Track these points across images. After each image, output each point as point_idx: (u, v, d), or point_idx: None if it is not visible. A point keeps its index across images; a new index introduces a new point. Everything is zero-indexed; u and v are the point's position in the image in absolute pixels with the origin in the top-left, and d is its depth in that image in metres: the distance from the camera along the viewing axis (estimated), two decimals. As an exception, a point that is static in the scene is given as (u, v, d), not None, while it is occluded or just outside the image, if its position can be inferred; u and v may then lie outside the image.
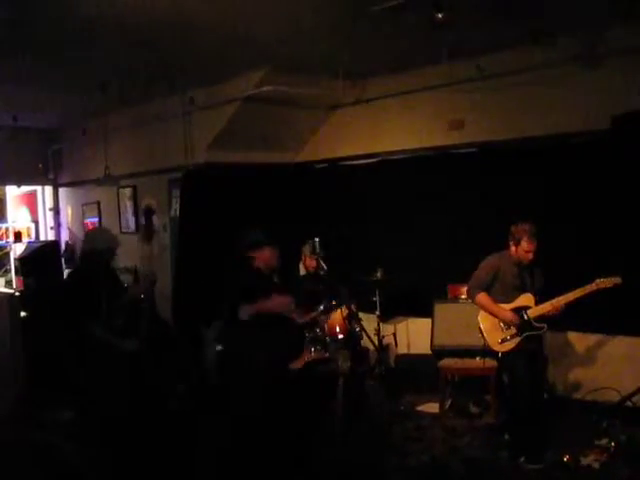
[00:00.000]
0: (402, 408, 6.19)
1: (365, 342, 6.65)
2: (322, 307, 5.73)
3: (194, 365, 6.91)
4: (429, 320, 6.54)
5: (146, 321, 5.46)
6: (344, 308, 5.96)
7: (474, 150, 6.63)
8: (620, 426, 5.11)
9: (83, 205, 10.02)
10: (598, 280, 4.92)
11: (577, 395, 6.04)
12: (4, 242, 10.16)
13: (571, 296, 4.96)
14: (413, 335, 7.23)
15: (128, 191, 8.93)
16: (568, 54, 5.64)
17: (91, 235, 5.88)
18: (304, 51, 5.92)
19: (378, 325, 6.72)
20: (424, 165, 7.01)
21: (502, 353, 5.13)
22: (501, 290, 5.14)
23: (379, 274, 6.70)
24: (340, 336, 6.02)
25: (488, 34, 5.58)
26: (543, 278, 5.19)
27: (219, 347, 6.23)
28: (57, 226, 10.68)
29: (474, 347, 5.72)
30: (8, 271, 9.71)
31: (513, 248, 5.09)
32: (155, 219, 6.12)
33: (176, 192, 7.90)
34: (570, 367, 6.16)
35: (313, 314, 5.61)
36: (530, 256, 5.03)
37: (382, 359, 6.84)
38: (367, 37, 5.59)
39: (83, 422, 5.39)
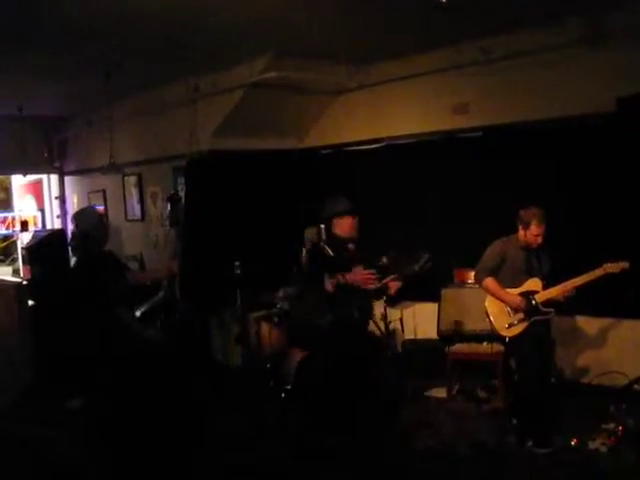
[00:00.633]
0: (409, 393, 6.20)
1: (371, 327, 6.67)
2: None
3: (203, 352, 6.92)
4: (436, 305, 6.54)
5: (161, 310, 5.42)
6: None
7: (479, 134, 6.59)
8: (627, 410, 5.10)
9: (89, 193, 10.04)
10: (606, 265, 4.90)
11: (585, 379, 6.04)
12: (11, 231, 10.20)
13: (579, 281, 4.95)
14: (420, 320, 7.22)
15: (133, 179, 8.94)
16: (573, 36, 5.60)
17: (76, 221, 5.72)
18: (308, 37, 5.89)
19: (385, 310, 6.70)
20: (429, 150, 6.98)
21: (509, 338, 5.13)
22: (509, 275, 5.13)
23: (385, 259, 6.68)
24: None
25: (492, 17, 5.53)
26: (551, 262, 5.18)
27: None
28: (63, 214, 10.72)
29: (481, 332, 5.72)
30: (15, 260, 9.77)
31: (522, 232, 5.07)
32: (181, 206, 6.07)
33: (181, 179, 7.90)
34: (578, 351, 6.16)
35: (386, 280, 5.30)
36: (539, 240, 5.01)
37: (389, 344, 6.85)
38: (371, 21, 5.55)
39: (93, 412, 5.42)
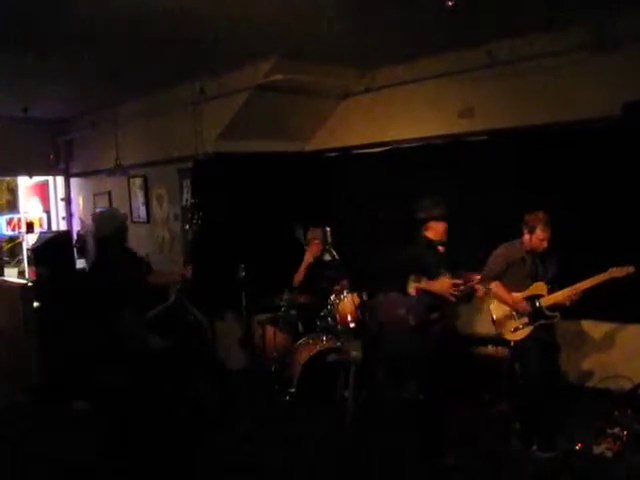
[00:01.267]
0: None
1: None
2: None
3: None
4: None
5: (175, 319, 5.42)
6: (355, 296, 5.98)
7: (484, 138, 6.59)
8: (633, 414, 5.10)
9: (94, 195, 10.06)
10: (611, 269, 4.89)
11: (589, 383, 6.03)
12: (16, 232, 10.21)
13: (584, 285, 4.95)
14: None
15: (139, 181, 8.96)
16: (579, 41, 5.59)
17: (97, 223, 5.76)
18: (314, 40, 5.90)
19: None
20: (434, 153, 6.97)
21: (514, 342, 5.13)
22: (514, 279, 5.13)
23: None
24: (352, 325, 6.04)
25: (498, 21, 5.53)
26: (557, 266, 5.18)
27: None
28: (69, 216, 10.74)
29: (486, 335, 5.71)
30: (21, 261, 9.79)
31: (527, 237, 5.08)
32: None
33: (186, 182, 7.91)
34: (582, 355, 6.15)
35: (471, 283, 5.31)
36: (545, 244, 5.02)
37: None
38: (377, 25, 5.56)
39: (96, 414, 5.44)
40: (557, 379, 5.33)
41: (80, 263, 9.94)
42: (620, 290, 5.09)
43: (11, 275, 9.35)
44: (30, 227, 10.02)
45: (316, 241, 6.70)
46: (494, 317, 5.22)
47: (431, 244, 5.25)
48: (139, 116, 8.32)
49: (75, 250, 9.75)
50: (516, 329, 5.09)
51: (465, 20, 5.18)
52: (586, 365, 6.13)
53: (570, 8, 5.24)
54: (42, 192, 10.98)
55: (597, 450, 4.73)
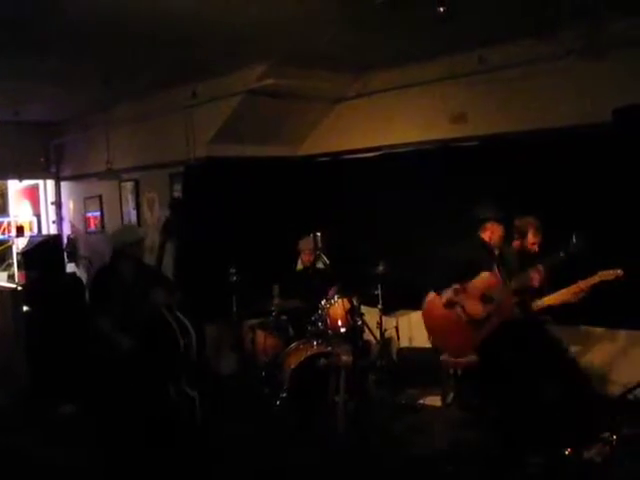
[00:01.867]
0: (404, 401, 6.19)
1: (367, 335, 6.68)
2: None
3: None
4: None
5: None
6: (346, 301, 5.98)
7: (477, 143, 6.61)
8: (622, 419, 5.10)
9: (85, 199, 10.02)
10: (600, 272, 4.91)
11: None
12: (6, 236, 10.15)
13: (573, 288, 4.96)
14: (415, 328, 7.22)
15: (130, 185, 8.93)
16: (570, 47, 5.61)
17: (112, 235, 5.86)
18: (306, 44, 5.90)
19: (380, 318, 6.72)
20: (427, 159, 6.99)
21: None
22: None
23: (381, 267, 6.70)
24: (342, 330, 6.04)
25: (490, 27, 5.56)
26: (548, 270, 5.19)
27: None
28: (59, 220, 10.69)
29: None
30: (10, 265, 9.71)
31: (518, 242, 5.09)
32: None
33: (178, 186, 7.89)
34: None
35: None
36: (536, 248, 5.04)
37: (384, 352, 6.85)
38: (369, 30, 5.57)
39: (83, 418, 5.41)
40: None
41: (70, 267, 9.90)
42: (610, 296, 5.12)
43: (0, 279, 9.29)
44: (20, 231, 9.94)
45: (305, 250, 6.74)
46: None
47: (487, 249, 5.20)
48: (131, 120, 8.30)
49: (65, 254, 9.71)
50: None
51: (457, 26, 5.19)
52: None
53: (561, 14, 5.26)
54: (32, 196, 10.92)
55: (587, 455, 4.72)
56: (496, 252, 5.19)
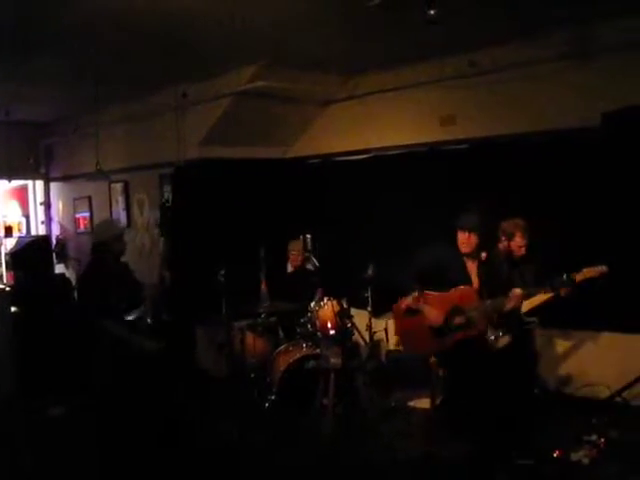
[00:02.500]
0: (393, 404, 6.19)
1: (356, 338, 6.68)
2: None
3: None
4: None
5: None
6: (335, 303, 5.98)
7: (466, 146, 6.63)
8: (610, 422, 5.13)
9: (75, 200, 10.00)
10: (585, 270, 4.92)
11: (567, 391, 6.06)
12: (-5, 237, 10.11)
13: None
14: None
15: (119, 186, 8.91)
16: (559, 51, 5.66)
17: (95, 228, 5.84)
18: (297, 47, 5.91)
19: (369, 321, 6.72)
20: (416, 161, 7.00)
21: (494, 350, 5.14)
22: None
23: (370, 270, 6.70)
24: (331, 332, 6.03)
25: (480, 30, 5.58)
26: (535, 271, 5.20)
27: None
28: (48, 221, 10.66)
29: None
30: (-1, 266, 9.68)
31: (505, 244, 5.10)
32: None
33: (168, 187, 7.88)
34: (560, 363, 6.19)
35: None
36: (523, 251, 5.05)
37: (373, 355, 6.85)
38: (360, 33, 5.58)
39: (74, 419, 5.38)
40: (536, 387, 5.35)
41: (59, 268, 9.87)
42: (596, 299, 5.15)
43: (-12, 280, 9.26)
44: (9, 231, 9.93)
45: (294, 252, 6.74)
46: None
47: (459, 255, 5.08)
48: (121, 121, 8.29)
49: (54, 255, 9.68)
50: (495, 338, 5.10)
51: (447, 29, 5.20)
52: (564, 373, 6.16)
53: (551, 18, 5.30)
54: (21, 196, 10.89)
55: (575, 457, 4.73)
56: (473, 262, 5.05)
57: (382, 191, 7.22)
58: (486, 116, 6.40)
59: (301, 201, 7.87)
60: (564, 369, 6.17)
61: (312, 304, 6.16)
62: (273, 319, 6.54)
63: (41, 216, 10.75)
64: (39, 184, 10.72)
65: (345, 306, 6.08)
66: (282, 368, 5.87)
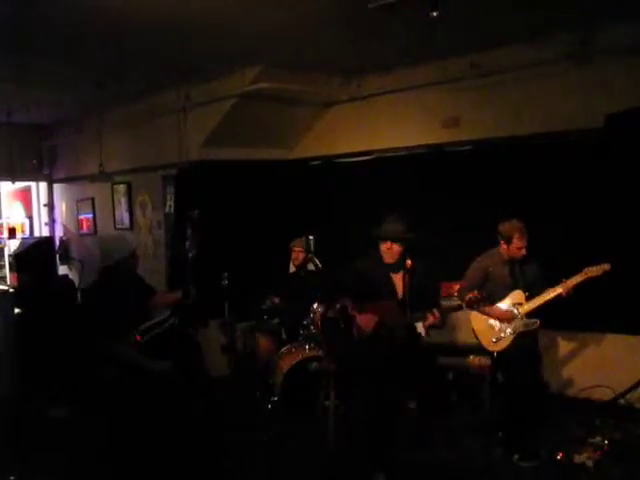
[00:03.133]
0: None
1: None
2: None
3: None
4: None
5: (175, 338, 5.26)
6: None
7: (469, 148, 6.62)
8: (613, 424, 5.12)
9: (77, 201, 10.02)
10: (587, 269, 4.91)
11: (571, 393, 6.05)
12: (-2, 238, 10.13)
13: (561, 287, 4.96)
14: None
15: (122, 187, 8.92)
16: (562, 52, 5.64)
17: (103, 246, 5.56)
18: (300, 48, 5.91)
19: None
20: (419, 163, 6.99)
21: (496, 352, 5.13)
22: (493, 289, 5.11)
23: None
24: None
25: (482, 32, 5.58)
26: (537, 272, 5.18)
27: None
28: (51, 222, 10.69)
29: (467, 345, 5.72)
30: (2, 267, 9.69)
31: (504, 246, 5.09)
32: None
33: (170, 189, 7.89)
34: (564, 365, 6.18)
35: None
36: (523, 252, 5.04)
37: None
38: (362, 35, 5.58)
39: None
40: (539, 389, 5.34)
41: (62, 269, 9.88)
42: (600, 300, 5.13)
43: (-8, 281, 9.27)
44: (12, 233, 9.94)
45: (296, 249, 6.71)
46: (474, 327, 5.24)
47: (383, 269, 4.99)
48: (124, 122, 8.30)
49: (57, 256, 9.68)
50: (498, 339, 5.10)
51: (450, 31, 5.21)
52: (567, 375, 6.15)
53: (554, 20, 5.29)
54: (25, 197, 10.91)
55: (578, 459, 4.73)
56: (397, 275, 4.90)
57: (384, 193, 7.21)
58: (489, 118, 6.38)
59: (304, 203, 7.86)
60: (567, 371, 6.16)
61: (315, 305, 6.15)
62: (276, 320, 6.54)
63: (44, 217, 10.77)
64: (42, 186, 10.74)
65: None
66: (285, 370, 5.87)
